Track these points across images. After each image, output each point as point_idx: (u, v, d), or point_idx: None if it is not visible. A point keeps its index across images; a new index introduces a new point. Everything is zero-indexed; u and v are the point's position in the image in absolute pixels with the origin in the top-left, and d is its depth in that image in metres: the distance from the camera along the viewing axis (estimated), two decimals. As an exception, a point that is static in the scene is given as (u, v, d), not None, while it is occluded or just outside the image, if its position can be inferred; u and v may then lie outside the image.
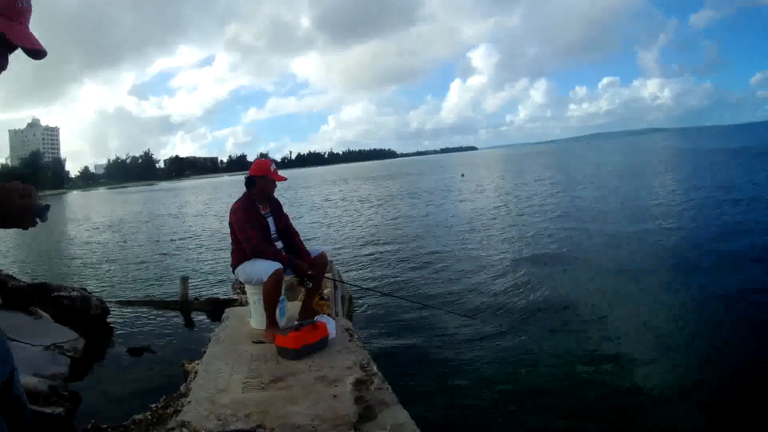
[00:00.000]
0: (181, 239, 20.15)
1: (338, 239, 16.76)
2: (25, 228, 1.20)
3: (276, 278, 4.08)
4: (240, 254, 4.38)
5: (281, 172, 4.58)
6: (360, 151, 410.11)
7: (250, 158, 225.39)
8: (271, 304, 4.21)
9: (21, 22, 1.22)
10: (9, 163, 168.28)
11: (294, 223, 4.84)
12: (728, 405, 4.89)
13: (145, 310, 9.09)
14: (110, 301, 9.09)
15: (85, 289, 8.49)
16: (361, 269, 11.82)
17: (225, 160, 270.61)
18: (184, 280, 9.20)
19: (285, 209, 4.77)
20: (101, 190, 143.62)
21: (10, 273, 8.09)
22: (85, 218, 36.23)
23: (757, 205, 14.97)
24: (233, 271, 4.57)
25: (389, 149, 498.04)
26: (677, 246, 11.16)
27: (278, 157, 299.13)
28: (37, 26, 1.28)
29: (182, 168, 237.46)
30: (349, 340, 4.12)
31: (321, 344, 3.89)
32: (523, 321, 7.42)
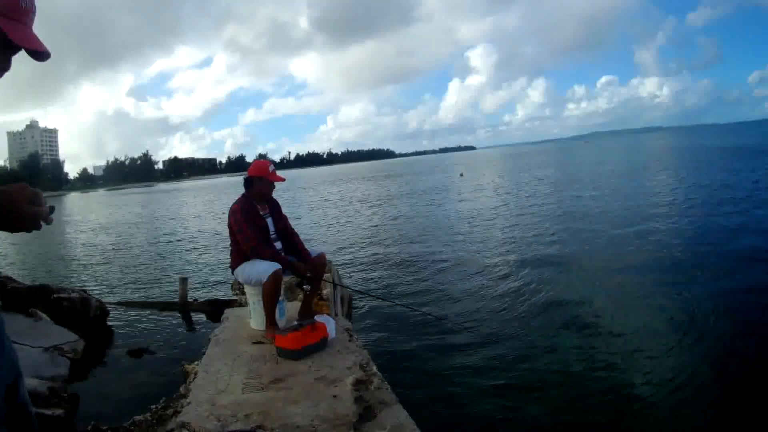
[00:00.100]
0: (180, 240, 20.15)
1: (337, 240, 16.76)
2: (30, 231, 1.19)
3: (275, 279, 4.08)
4: (239, 255, 4.38)
5: (280, 173, 4.58)
6: (359, 151, 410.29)
7: (249, 159, 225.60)
8: (270, 304, 4.22)
9: (24, 23, 1.21)
10: (7, 165, 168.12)
11: (293, 223, 4.84)
12: (728, 405, 4.90)
13: (144, 311, 9.09)
14: (110, 303, 9.08)
15: (85, 291, 8.48)
16: (360, 270, 11.81)
17: (224, 161, 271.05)
18: (184, 281, 9.20)
19: (284, 210, 4.78)
20: (100, 192, 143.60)
21: (10, 275, 8.10)
22: (84, 220, 36.20)
23: (757, 204, 14.95)
24: (232, 272, 4.57)
25: (388, 149, 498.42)
26: (677, 246, 11.14)
27: (277, 158, 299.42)
28: (35, 27, 1.27)
29: (181, 169, 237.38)
30: (349, 341, 4.12)
31: (321, 345, 3.90)
32: (522, 323, 7.42)
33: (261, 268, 4.14)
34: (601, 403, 5.07)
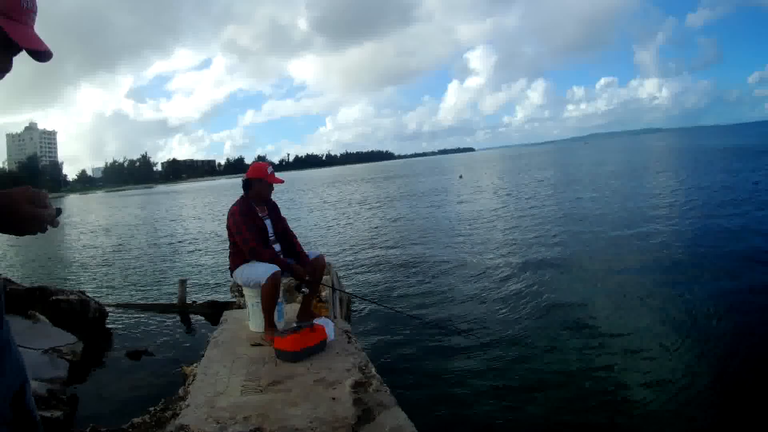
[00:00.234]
0: (179, 242, 20.14)
1: (336, 242, 16.77)
2: (34, 233, 1.17)
3: (274, 281, 4.08)
4: (238, 257, 4.38)
5: (279, 175, 4.58)
6: (358, 153, 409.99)
7: (248, 161, 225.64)
8: (269, 306, 4.22)
9: (25, 23, 1.19)
10: (6, 167, 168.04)
11: (292, 225, 4.84)
12: (727, 406, 4.91)
13: (143, 313, 9.08)
14: (109, 305, 9.08)
15: (84, 293, 8.47)
16: (359, 272, 11.82)
17: (222, 162, 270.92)
18: (183, 282, 9.20)
19: (283, 212, 4.78)
20: (99, 194, 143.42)
21: (8, 276, 8.09)
22: (83, 221, 36.16)
23: (757, 205, 14.95)
24: (231, 274, 4.57)
25: (387, 151, 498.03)
26: (677, 247, 11.16)
27: (276, 160, 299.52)
28: (36, 28, 1.25)
29: (179, 171, 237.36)
30: (348, 342, 4.12)
31: (319, 347, 3.90)
32: (521, 325, 7.43)
33: (260, 270, 4.14)
34: (600, 405, 5.07)
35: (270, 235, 4.48)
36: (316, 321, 4.13)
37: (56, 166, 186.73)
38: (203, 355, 4.17)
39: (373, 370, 3.55)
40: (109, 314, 8.55)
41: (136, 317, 8.88)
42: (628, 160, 53.15)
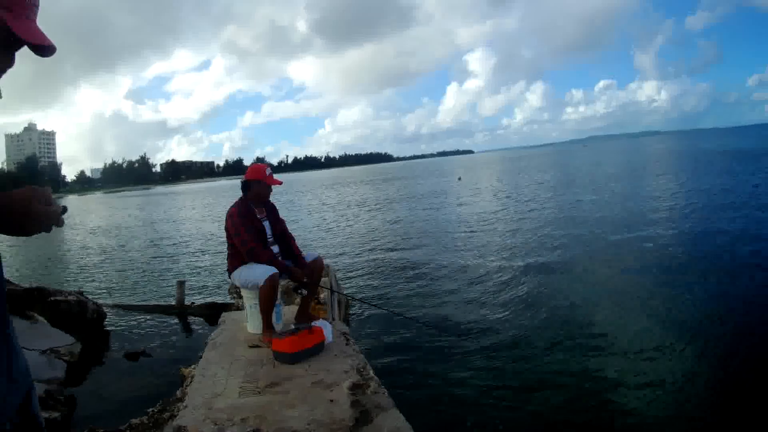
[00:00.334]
0: (177, 243, 20.13)
1: (335, 244, 16.77)
2: (40, 232, 1.15)
3: (272, 283, 4.08)
4: (236, 259, 4.38)
5: (277, 177, 4.58)
6: (357, 154, 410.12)
7: (247, 162, 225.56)
8: (267, 308, 4.21)
9: (28, 17, 1.16)
10: (5, 167, 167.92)
11: (290, 227, 4.84)
12: (726, 407, 4.91)
13: (141, 314, 9.08)
14: (107, 306, 9.08)
15: (82, 294, 8.47)
16: (357, 275, 11.82)
17: (221, 164, 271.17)
18: (181, 284, 9.20)
19: (281, 214, 4.78)
20: (98, 194, 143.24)
21: (6, 277, 8.07)
22: (82, 222, 36.12)
23: (757, 208, 14.96)
24: (229, 276, 4.57)
25: (386, 153, 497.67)
26: (677, 250, 11.16)
27: (275, 161, 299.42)
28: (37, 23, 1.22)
29: (178, 172, 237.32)
30: (346, 344, 4.12)
31: (317, 348, 3.89)
32: (519, 327, 7.43)
33: (257, 272, 4.14)
34: (599, 406, 5.08)
35: (268, 236, 4.48)
36: (314, 323, 4.13)
37: (55, 167, 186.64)
38: (201, 357, 4.16)
39: (371, 372, 3.55)
40: (108, 315, 8.56)
41: (134, 318, 8.88)
42: (628, 162, 53.25)
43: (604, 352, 6.28)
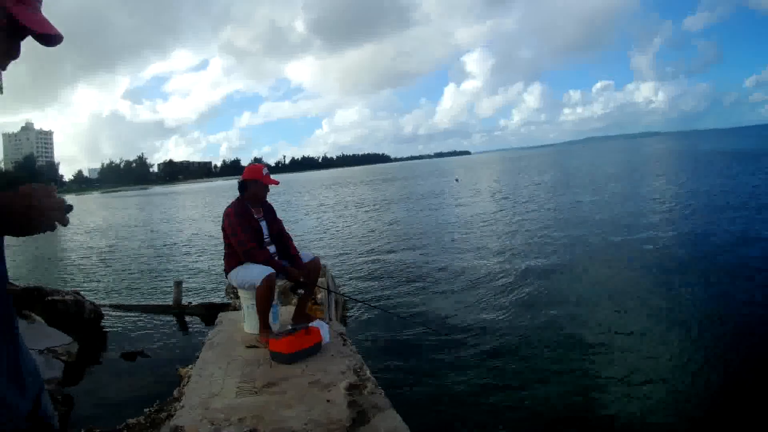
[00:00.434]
0: (174, 244, 20.09)
1: (333, 244, 16.76)
2: (45, 231, 1.10)
3: (268, 283, 4.08)
4: (233, 259, 4.39)
5: (275, 177, 4.59)
6: (354, 155, 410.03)
7: (244, 163, 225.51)
8: (264, 308, 4.22)
9: (33, 6, 1.14)
10: (2, 166, 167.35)
11: (288, 227, 4.85)
12: (726, 407, 4.93)
13: (138, 314, 9.07)
14: (104, 306, 9.07)
15: (79, 293, 8.47)
16: (354, 275, 11.81)
17: (219, 164, 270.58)
18: (178, 284, 9.20)
19: (279, 214, 4.79)
20: (95, 194, 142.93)
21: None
22: (79, 222, 36.04)
23: (756, 209, 14.96)
24: (226, 276, 4.57)
25: (383, 153, 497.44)
26: (676, 251, 11.15)
27: (272, 162, 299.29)
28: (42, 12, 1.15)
29: (176, 172, 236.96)
30: (343, 345, 4.13)
31: (314, 349, 3.90)
32: (517, 328, 7.42)
33: (254, 272, 4.14)
34: (598, 406, 5.08)
35: (265, 236, 4.48)
36: (311, 323, 4.14)
37: (53, 167, 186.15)
38: (198, 357, 4.17)
39: (368, 372, 3.56)
40: (105, 315, 8.55)
41: (131, 318, 8.87)
42: (626, 163, 53.27)
43: (603, 353, 6.29)
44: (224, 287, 9.23)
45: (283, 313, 4.90)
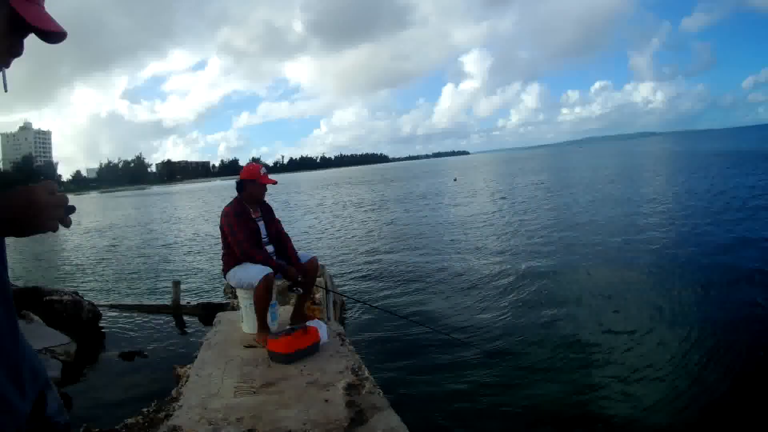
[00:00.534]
0: (173, 244, 20.07)
1: (331, 244, 16.74)
2: (46, 231, 1.06)
3: (266, 283, 4.09)
4: (231, 259, 4.39)
5: (273, 177, 4.59)
6: (352, 155, 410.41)
7: (242, 162, 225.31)
8: (261, 308, 4.22)
9: (37, 2, 1.10)
10: (1, 167, 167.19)
11: (286, 227, 4.85)
12: (725, 407, 4.93)
13: (137, 314, 9.05)
14: (102, 305, 9.05)
15: (77, 293, 8.46)
16: (353, 275, 11.80)
17: (217, 164, 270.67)
18: (176, 284, 9.18)
19: (277, 214, 4.79)
20: (93, 194, 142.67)
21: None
22: (78, 222, 35.95)
23: (753, 210, 14.95)
24: (224, 276, 4.58)
25: (381, 154, 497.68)
26: (675, 251, 11.13)
27: (270, 162, 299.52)
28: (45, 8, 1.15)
29: (174, 172, 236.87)
30: (341, 345, 4.13)
31: (312, 349, 3.91)
32: (516, 329, 7.41)
33: (252, 272, 4.14)
34: (597, 406, 5.09)
35: (263, 236, 4.49)
36: (310, 323, 4.14)
37: (51, 167, 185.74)
38: (196, 357, 4.17)
39: (366, 372, 3.56)
40: (103, 315, 8.54)
41: (129, 318, 8.86)
42: (624, 163, 53.30)
43: (603, 353, 6.29)
44: (222, 287, 9.23)
45: (282, 313, 4.91)
